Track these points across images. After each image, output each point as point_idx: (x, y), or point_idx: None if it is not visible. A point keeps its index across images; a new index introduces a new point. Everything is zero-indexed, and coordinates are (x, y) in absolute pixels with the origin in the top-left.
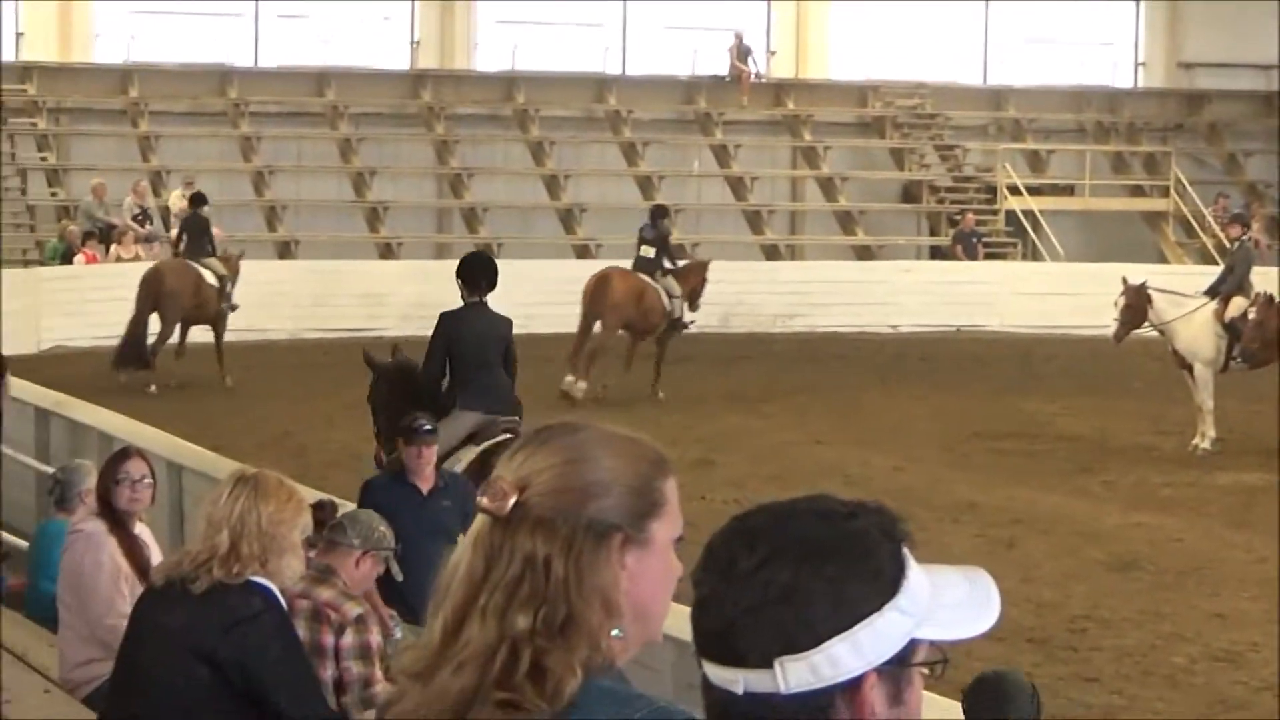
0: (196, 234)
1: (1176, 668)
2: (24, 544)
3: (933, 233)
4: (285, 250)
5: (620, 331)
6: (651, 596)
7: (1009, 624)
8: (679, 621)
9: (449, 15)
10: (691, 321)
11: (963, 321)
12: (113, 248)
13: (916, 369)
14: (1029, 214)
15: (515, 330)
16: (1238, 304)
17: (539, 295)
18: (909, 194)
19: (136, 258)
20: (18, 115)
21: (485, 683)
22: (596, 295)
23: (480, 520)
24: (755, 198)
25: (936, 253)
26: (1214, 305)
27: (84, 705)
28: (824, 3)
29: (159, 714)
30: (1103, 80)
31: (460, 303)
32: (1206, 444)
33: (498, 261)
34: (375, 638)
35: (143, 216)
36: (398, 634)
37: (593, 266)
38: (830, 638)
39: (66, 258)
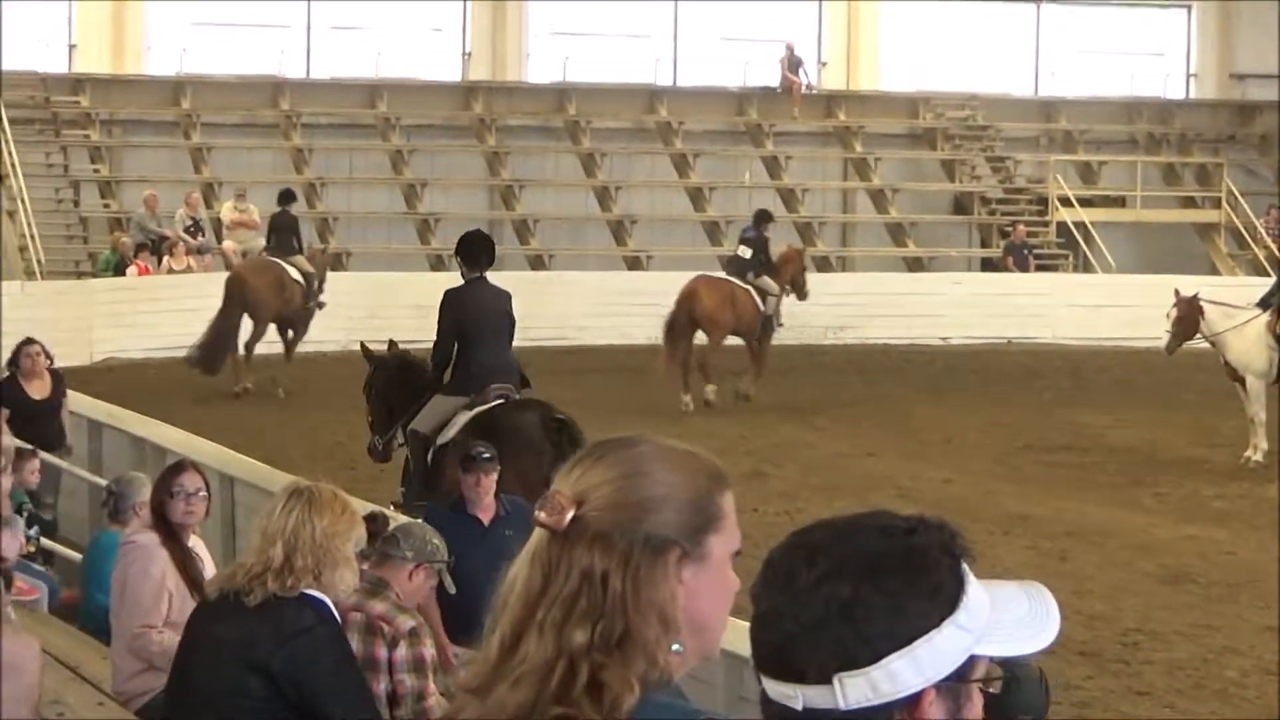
0: (284, 232)
1: (1229, 681)
2: (78, 556)
3: (984, 244)
4: (337, 262)
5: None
6: (709, 611)
7: (1060, 636)
8: (732, 635)
9: (501, 27)
10: (780, 325)
11: (1014, 333)
12: (164, 259)
13: (968, 381)
14: (1080, 226)
15: (565, 342)
16: None
17: (590, 307)
18: (960, 206)
19: (188, 269)
20: (71, 127)
21: (543, 698)
22: (686, 307)
23: (537, 535)
24: (806, 209)
25: (988, 265)
26: (1266, 317)
27: (137, 717)
28: (875, 14)
29: None
30: (1154, 91)
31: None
32: (1259, 456)
33: (549, 273)
34: (429, 650)
35: (195, 228)
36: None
37: (643, 278)
38: (889, 654)
39: (119, 269)
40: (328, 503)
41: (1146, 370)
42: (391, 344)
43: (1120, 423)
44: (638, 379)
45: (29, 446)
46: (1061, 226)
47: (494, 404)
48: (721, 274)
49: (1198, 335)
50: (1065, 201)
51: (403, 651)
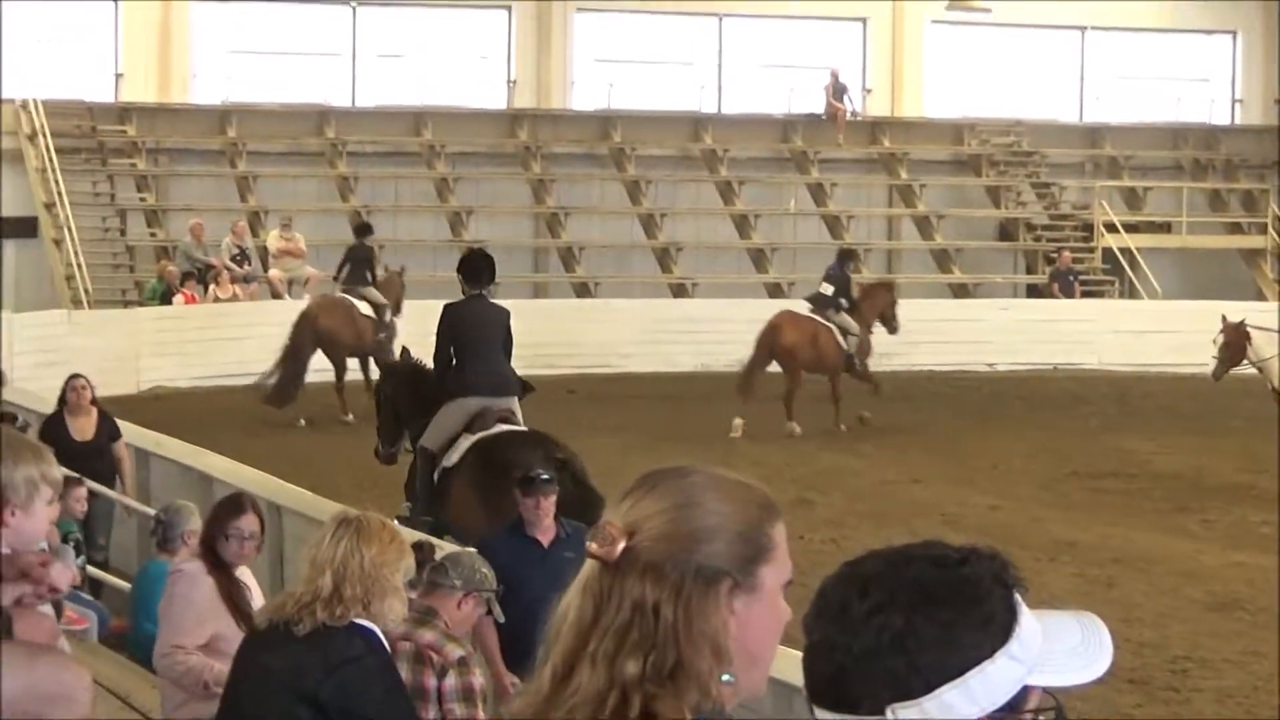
0: (358, 264)
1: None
2: (126, 585)
3: (1029, 271)
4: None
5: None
6: (760, 642)
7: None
8: (782, 663)
9: (545, 54)
10: (870, 356)
11: (1060, 360)
12: (211, 288)
13: (1014, 407)
14: (1126, 251)
15: (611, 369)
16: None
17: (635, 334)
18: (1005, 232)
19: (234, 298)
20: (117, 156)
21: None
22: (768, 342)
23: (589, 565)
24: (852, 236)
25: (1033, 291)
26: None
27: None
28: (919, 40)
29: None
30: (1200, 117)
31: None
32: None
33: (594, 300)
34: (478, 679)
35: (241, 256)
36: None
37: (689, 305)
38: (942, 684)
39: (165, 298)
40: (376, 532)
41: (1193, 396)
42: (404, 352)
43: (1166, 449)
44: (683, 406)
45: (75, 475)
46: (1107, 252)
47: (496, 431)
48: (805, 309)
49: (1244, 361)
50: (1111, 227)
51: (452, 680)
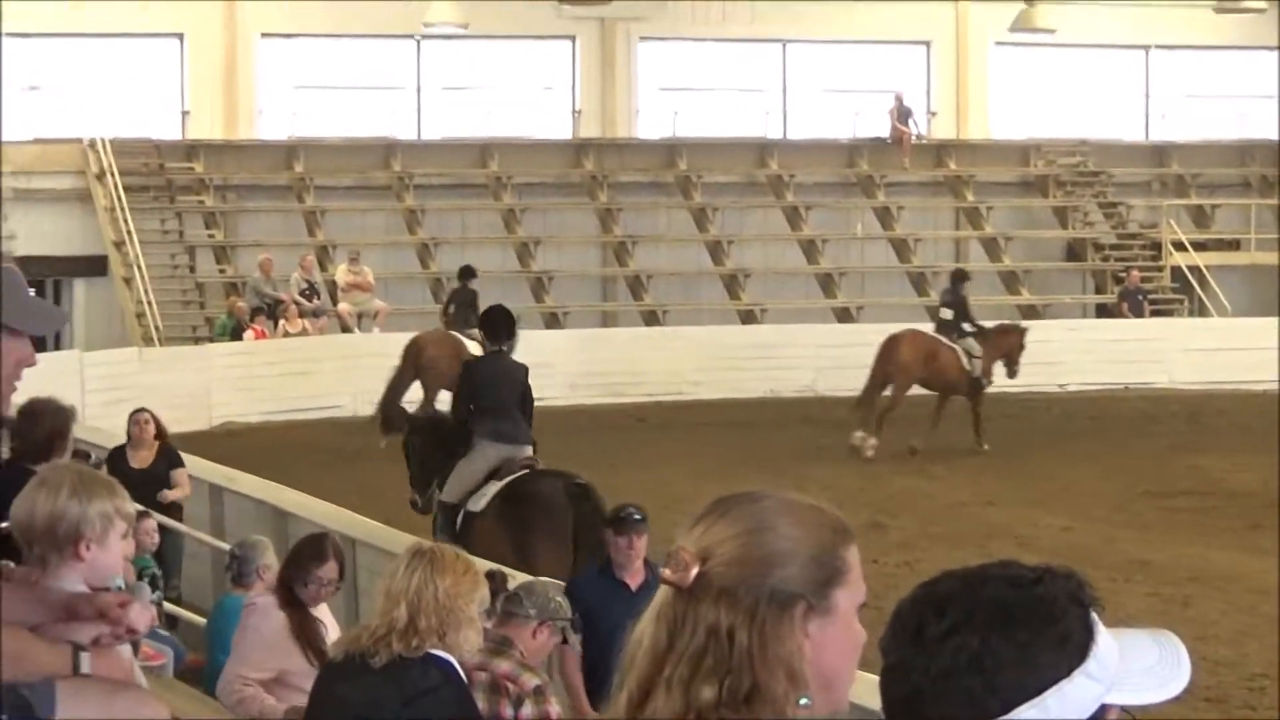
0: (464, 306)
1: None
2: (201, 620)
3: (1098, 291)
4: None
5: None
6: (836, 665)
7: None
8: (860, 688)
9: (610, 84)
10: (988, 383)
11: (1131, 379)
12: (280, 323)
13: (1085, 428)
14: (1194, 269)
15: (680, 397)
16: None
17: (704, 361)
18: (1073, 252)
19: (304, 332)
20: (185, 193)
21: None
22: (884, 356)
23: (663, 592)
24: (919, 259)
25: (1102, 311)
26: None
27: None
28: (984, 62)
29: None
30: (1266, 133)
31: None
32: None
33: (662, 328)
34: (554, 709)
35: (310, 291)
36: None
37: (757, 332)
38: (1019, 704)
39: (235, 334)
40: (450, 563)
41: (1264, 413)
42: (429, 404)
43: (1239, 467)
44: (752, 432)
45: (142, 508)
46: (1176, 271)
47: (520, 474)
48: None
49: None
50: (1179, 246)
51: (528, 710)
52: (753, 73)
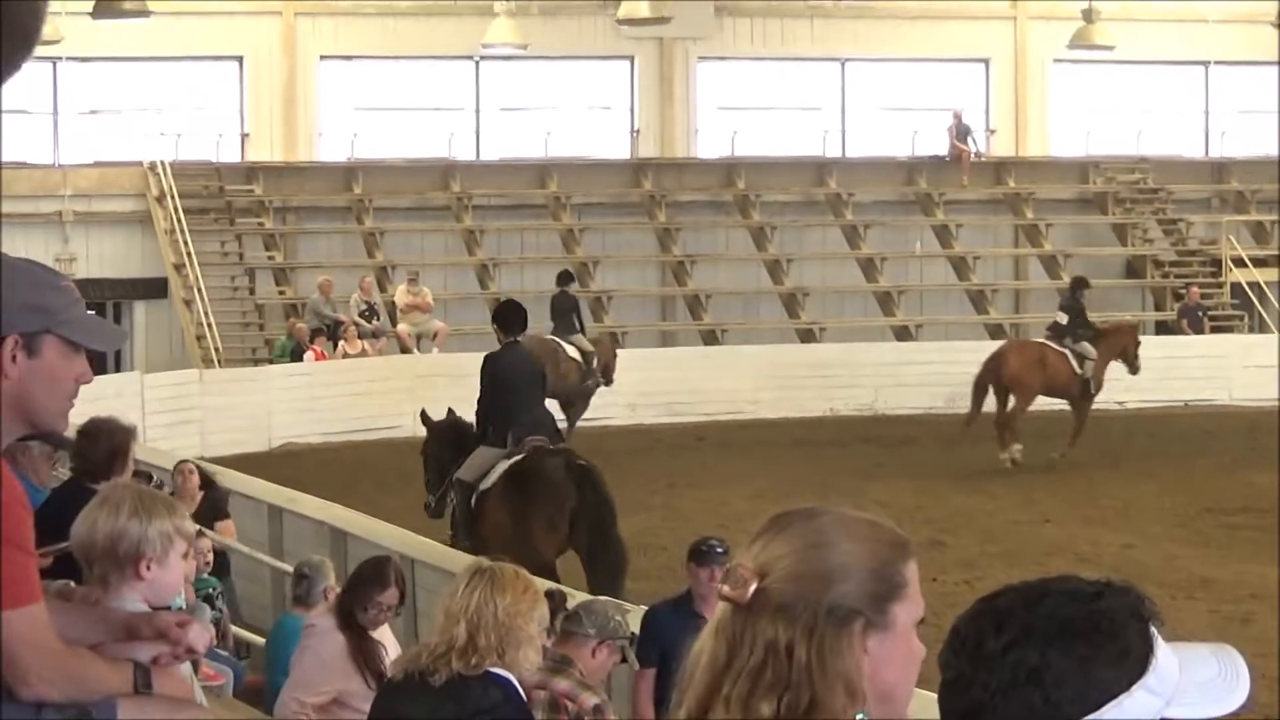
0: (563, 312)
1: None
2: (259, 640)
3: (1158, 308)
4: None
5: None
6: (895, 680)
7: (1249, 701)
8: (920, 704)
9: (669, 103)
10: (1098, 389)
11: (1190, 396)
12: (340, 344)
13: (1145, 445)
14: (1254, 286)
15: (740, 416)
16: None
17: (763, 380)
18: (1133, 269)
19: (363, 353)
20: (245, 215)
21: None
22: (992, 370)
23: (722, 608)
24: (978, 277)
25: (1162, 327)
26: None
27: None
28: (1042, 79)
29: None
30: None
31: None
32: None
33: (722, 347)
34: None
35: (369, 312)
36: None
37: (817, 350)
38: (1079, 718)
39: (296, 355)
40: (509, 581)
41: None
42: (450, 412)
43: None
44: (812, 451)
45: (198, 526)
46: (1236, 287)
47: (526, 454)
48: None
49: None
50: (1239, 262)
51: None
52: (811, 91)
